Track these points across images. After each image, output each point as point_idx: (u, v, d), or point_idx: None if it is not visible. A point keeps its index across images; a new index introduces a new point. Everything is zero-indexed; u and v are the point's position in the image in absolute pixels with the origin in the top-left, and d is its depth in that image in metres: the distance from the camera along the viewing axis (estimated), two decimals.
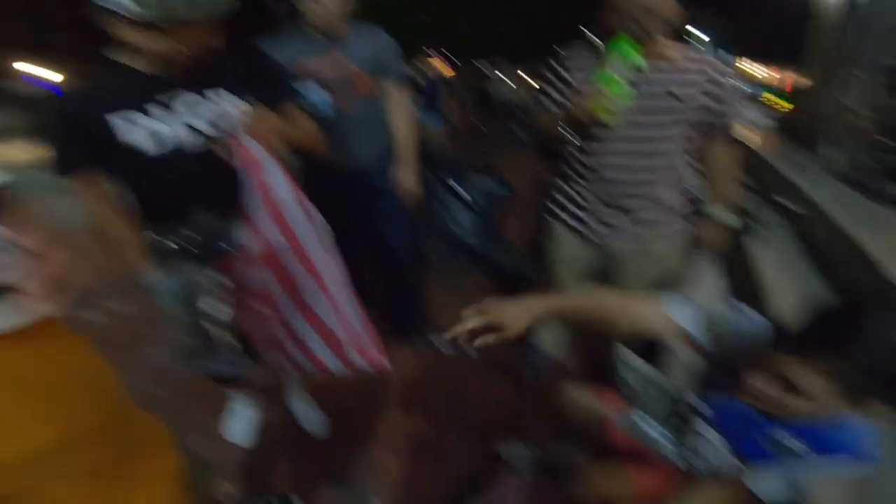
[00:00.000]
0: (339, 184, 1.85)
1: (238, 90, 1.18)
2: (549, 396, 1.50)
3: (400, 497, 1.70)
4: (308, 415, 1.86)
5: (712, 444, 1.04)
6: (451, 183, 3.00)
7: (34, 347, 0.56)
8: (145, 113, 1.03)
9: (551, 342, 2.25)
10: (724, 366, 1.03)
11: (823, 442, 0.86)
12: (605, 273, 2.05)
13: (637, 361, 1.45)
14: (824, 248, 2.98)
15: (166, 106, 1.06)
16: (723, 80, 1.45)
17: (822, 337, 0.78)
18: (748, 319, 1.02)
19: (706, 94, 1.44)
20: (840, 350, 0.74)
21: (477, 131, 8.12)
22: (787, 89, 8.81)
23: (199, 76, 1.11)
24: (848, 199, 3.64)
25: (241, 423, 1.77)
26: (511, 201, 3.06)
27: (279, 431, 1.87)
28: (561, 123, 1.50)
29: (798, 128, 6.50)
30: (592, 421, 1.37)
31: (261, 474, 1.72)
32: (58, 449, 0.53)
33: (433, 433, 1.98)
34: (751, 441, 0.95)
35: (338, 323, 1.30)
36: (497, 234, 2.92)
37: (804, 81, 8.47)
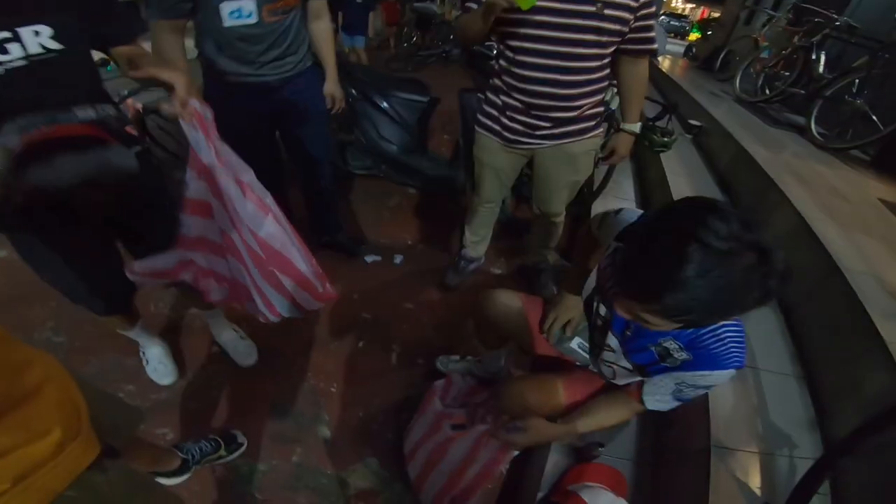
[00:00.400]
0: (259, 97, 1.72)
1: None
2: (479, 304, 1.51)
3: (343, 420, 1.68)
4: (236, 345, 1.81)
5: (617, 354, 1.10)
6: (376, 97, 2.89)
7: None
8: None
9: (480, 248, 2.32)
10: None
11: (704, 352, 0.93)
12: (527, 175, 2.10)
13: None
14: (722, 158, 3.26)
15: None
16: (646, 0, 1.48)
17: None
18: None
19: (629, 9, 1.45)
20: None
21: (401, 44, 7.75)
22: (698, 20, 9.20)
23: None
24: (743, 118, 3.98)
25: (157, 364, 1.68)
26: (438, 113, 3.00)
27: (210, 366, 1.79)
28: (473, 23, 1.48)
29: (703, 54, 6.91)
30: (521, 328, 1.40)
31: (198, 413, 1.64)
32: None
33: (368, 355, 1.94)
34: (643, 349, 1.02)
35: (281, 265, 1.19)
36: (422, 145, 2.88)
37: (715, 14, 8.96)
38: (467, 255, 2.29)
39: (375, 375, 1.86)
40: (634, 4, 1.43)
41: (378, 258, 2.46)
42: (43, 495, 0.60)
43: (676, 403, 1.04)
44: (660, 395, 1.04)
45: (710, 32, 7.23)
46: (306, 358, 1.88)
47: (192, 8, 1.49)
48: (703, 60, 6.70)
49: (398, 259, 2.49)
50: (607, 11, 1.42)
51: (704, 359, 0.93)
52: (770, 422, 1.47)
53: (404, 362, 1.94)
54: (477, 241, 2.24)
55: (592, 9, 1.41)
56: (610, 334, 1.10)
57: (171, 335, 1.87)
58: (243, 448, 1.49)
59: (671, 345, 0.97)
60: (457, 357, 1.87)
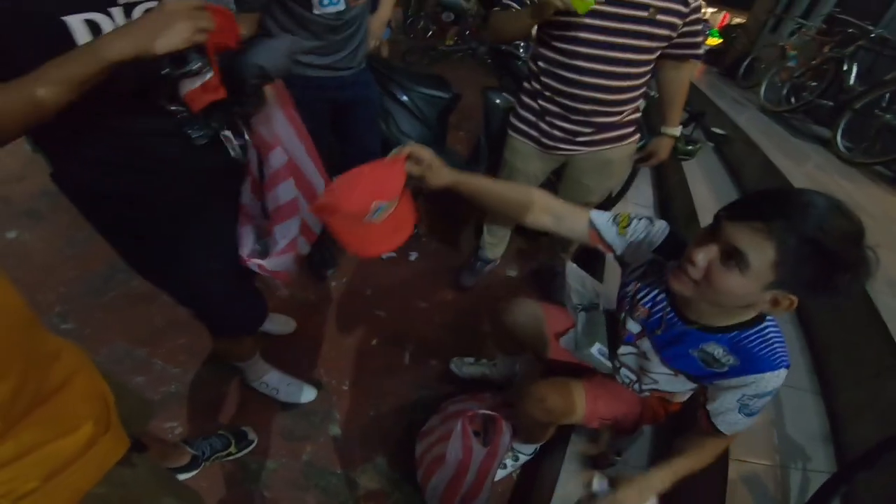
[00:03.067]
0: (334, 90, 1.70)
1: None
2: (501, 313, 1.48)
3: (354, 419, 1.65)
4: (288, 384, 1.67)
5: (653, 361, 1.06)
6: (397, 91, 2.84)
7: None
8: (109, 16, 0.76)
9: (498, 250, 2.29)
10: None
11: (750, 354, 0.90)
12: (560, 180, 2.06)
13: (581, 278, 1.48)
14: (745, 167, 3.20)
15: (128, 10, 0.78)
16: (696, 3, 1.44)
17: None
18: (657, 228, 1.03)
19: (679, 14, 1.41)
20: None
21: (424, 39, 7.70)
22: (718, 26, 9.07)
23: None
24: (768, 127, 3.90)
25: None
26: (456, 110, 2.95)
27: (220, 361, 1.73)
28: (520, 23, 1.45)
29: (725, 61, 6.80)
30: (539, 336, 1.37)
31: (207, 408, 1.60)
32: None
33: (385, 351, 1.91)
34: (685, 355, 0.99)
35: None
36: (441, 141, 2.84)
37: (738, 20, 8.79)
38: (484, 256, 2.26)
39: (388, 374, 1.83)
40: (685, 10, 1.39)
41: (393, 255, 2.43)
42: (72, 493, 0.57)
43: (751, 419, 0.97)
44: (730, 416, 0.97)
45: (734, 36, 7.09)
46: (318, 355, 1.85)
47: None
48: (726, 67, 6.59)
49: (413, 256, 2.46)
50: (660, 17, 1.38)
51: (753, 362, 0.90)
52: (786, 435, 1.46)
53: (417, 362, 1.91)
54: (494, 243, 2.21)
55: (645, 14, 1.37)
56: (645, 339, 1.07)
57: (177, 327, 1.85)
58: (253, 445, 1.48)
59: (715, 349, 0.94)
60: (471, 359, 1.84)
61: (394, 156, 0.91)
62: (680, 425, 1.53)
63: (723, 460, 1.31)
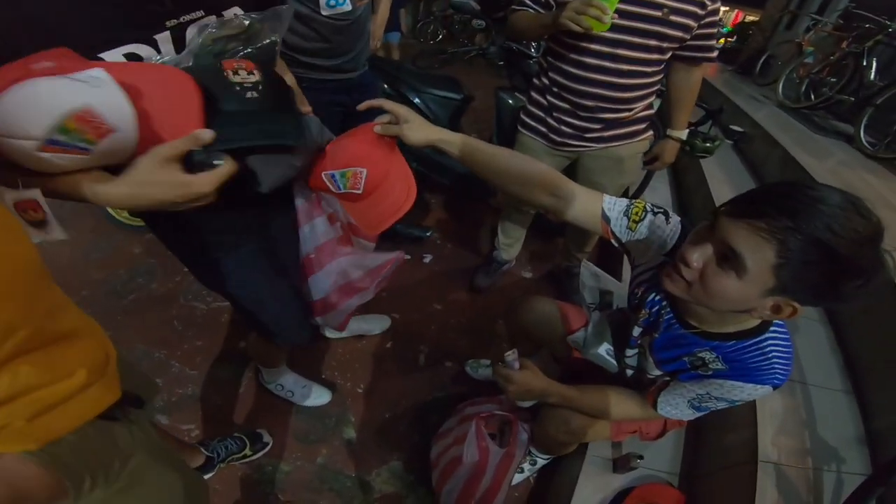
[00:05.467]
0: (343, 92, 1.71)
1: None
2: (514, 311, 1.46)
3: (369, 421, 1.63)
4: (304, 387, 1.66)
5: (650, 363, 1.03)
6: (409, 93, 2.84)
7: None
8: (153, 45, 0.69)
9: (513, 251, 2.26)
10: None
11: (743, 365, 0.84)
12: (572, 177, 2.02)
13: (596, 276, 1.46)
14: (766, 165, 3.14)
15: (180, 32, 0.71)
16: (713, 6, 1.41)
17: None
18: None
19: (695, 17, 1.39)
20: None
21: (435, 40, 7.74)
22: (731, 24, 8.97)
23: None
24: (787, 124, 3.83)
25: None
26: (469, 111, 2.94)
27: (236, 363, 1.73)
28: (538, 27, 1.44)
29: (739, 58, 6.71)
30: (556, 335, 1.33)
31: (223, 410, 1.60)
32: None
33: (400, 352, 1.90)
34: (676, 359, 0.94)
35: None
36: None
37: (752, 17, 8.69)
38: (499, 257, 2.23)
39: (403, 376, 1.81)
40: (701, 12, 1.36)
41: (407, 257, 2.41)
42: (45, 433, 0.55)
43: (693, 414, 0.95)
44: (676, 402, 0.96)
45: (750, 32, 6.99)
46: (332, 357, 1.84)
47: None
48: (741, 64, 6.50)
49: (427, 258, 2.44)
50: (673, 18, 1.35)
51: (741, 370, 0.85)
52: (818, 437, 1.41)
53: (432, 364, 1.89)
54: (509, 244, 2.18)
55: (658, 14, 1.34)
56: (647, 340, 1.03)
57: (194, 329, 1.86)
58: (269, 447, 1.47)
59: (707, 355, 0.88)
60: (487, 361, 1.82)
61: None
62: (703, 427, 1.50)
63: (751, 462, 1.27)
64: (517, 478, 1.49)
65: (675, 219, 0.93)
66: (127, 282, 2.01)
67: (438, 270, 2.39)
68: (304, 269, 1.10)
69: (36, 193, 0.57)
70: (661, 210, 0.94)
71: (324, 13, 1.48)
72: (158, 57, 0.68)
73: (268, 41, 0.77)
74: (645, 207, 0.94)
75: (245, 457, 1.41)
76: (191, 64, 0.70)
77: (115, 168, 0.61)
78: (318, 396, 1.64)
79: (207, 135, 0.61)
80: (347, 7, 1.51)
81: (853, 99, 3.76)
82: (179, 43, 0.70)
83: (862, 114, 3.45)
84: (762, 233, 0.65)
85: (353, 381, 1.77)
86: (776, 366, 0.82)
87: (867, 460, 1.39)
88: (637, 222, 0.93)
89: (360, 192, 0.87)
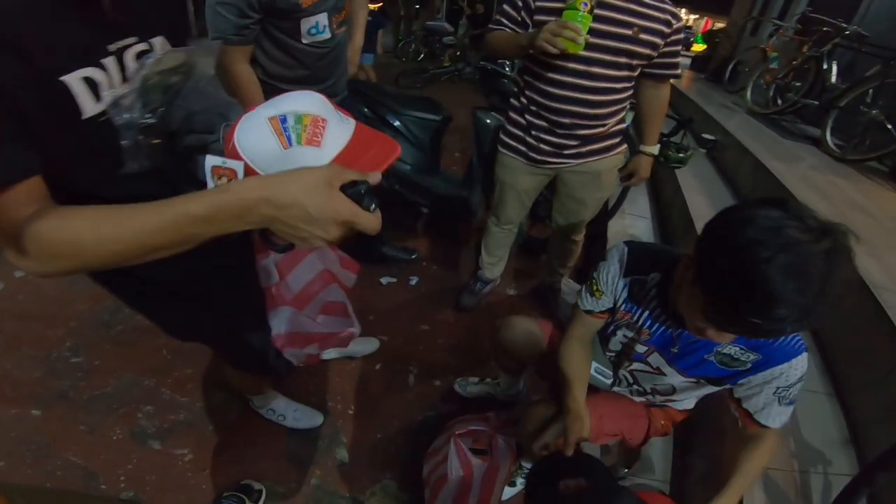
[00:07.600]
0: None
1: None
2: (498, 331, 1.45)
3: (361, 442, 1.65)
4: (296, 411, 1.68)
5: (669, 375, 1.08)
6: (388, 115, 2.89)
7: None
8: (103, 68, 0.68)
9: (497, 269, 2.31)
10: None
11: (769, 347, 0.93)
12: (544, 195, 2.08)
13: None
14: (738, 172, 3.23)
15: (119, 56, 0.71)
16: (678, 24, 1.49)
17: None
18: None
19: (661, 35, 1.45)
20: None
21: (416, 61, 7.85)
22: (702, 31, 9.20)
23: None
24: (757, 131, 3.94)
25: None
26: (450, 130, 3.00)
27: (226, 389, 1.72)
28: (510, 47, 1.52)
29: (709, 66, 6.90)
30: (539, 353, 1.38)
31: (216, 434, 1.62)
32: None
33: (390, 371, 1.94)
34: (701, 362, 1.01)
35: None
36: (435, 164, 2.88)
37: (720, 25, 8.96)
38: (483, 276, 2.28)
39: (393, 396, 1.84)
40: (667, 31, 1.45)
41: (393, 280, 2.45)
42: None
43: (792, 408, 0.99)
44: (773, 409, 0.98)
45: (717, 40, 7.19)
46: (323, 379, 1.87)
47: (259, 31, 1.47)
48: (711, 72, 6.68)
49: (413, 280, 2.48)
50: (642, 36, 1.43)
51: (774, 353, 0.93)
52: (803, 440, 1.45)
53: (421, 384, 1.92)
54: (493, 263, 2.23)
55: (629, 32, 1.42)
56: (655, 355, 1.08)
57: (183, 358, 1.87)
58: (264, 494, 1.46)
59: (731, 349, 0.96)
60: (475, 379, 1.85)
61: None
62: (693, 435, 1.54)
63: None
64: (509, 491, 1.51)
65: (613, 253, 1.10)
66: (115, 312, 2.03)
67: (425, 292, 2.44)
68: (267, 299, 1.11)
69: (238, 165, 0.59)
70: (602, 262, 1.12)
71: (304, 41, 1.54)
72: (108, 78, 0.68)
73: (207, 76, 0.80)
74: (593, 277, 1.13)
75: None
76: (137, 97, 0.70)
77: None
78: (310, 419, 1.66)
79: (377, 178, 0.62)
80: (327, 35, 1.57)
81: (817, 103, 3.88)
82: (123, 70, 0.71)
83: (827, 117, 3.56)
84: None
85: (344, 402, 1.79)
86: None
87: (853, 461, 1.41)
88: (597, 290, 1.12)
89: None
